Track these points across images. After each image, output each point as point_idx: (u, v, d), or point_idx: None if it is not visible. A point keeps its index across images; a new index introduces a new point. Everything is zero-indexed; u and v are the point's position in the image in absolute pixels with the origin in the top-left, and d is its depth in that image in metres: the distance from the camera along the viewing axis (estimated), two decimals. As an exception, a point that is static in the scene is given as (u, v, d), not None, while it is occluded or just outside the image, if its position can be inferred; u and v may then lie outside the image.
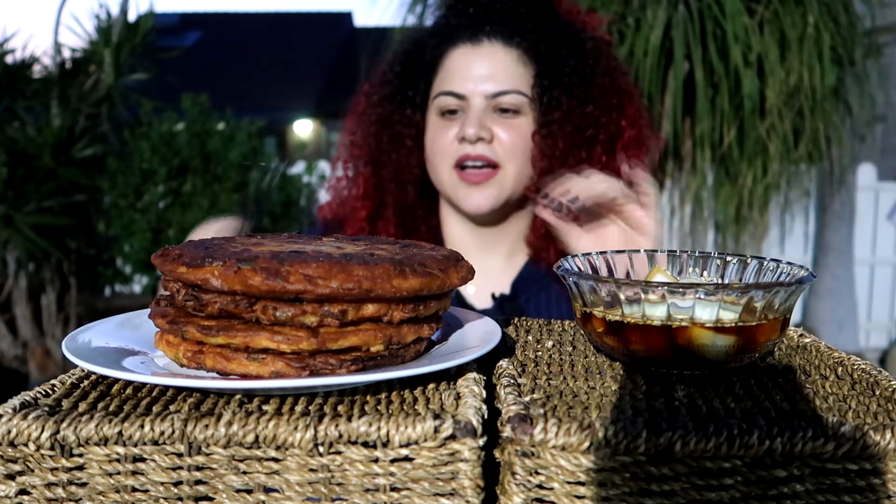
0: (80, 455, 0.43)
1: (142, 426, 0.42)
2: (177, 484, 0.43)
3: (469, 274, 0.55)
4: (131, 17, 3.33)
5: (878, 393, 0.50)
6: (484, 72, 1.04)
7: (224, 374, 0.48)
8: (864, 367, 0.55)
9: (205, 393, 0.48)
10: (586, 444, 0.42)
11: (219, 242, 0.53)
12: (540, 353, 0.59)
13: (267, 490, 0.43)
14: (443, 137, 1.05)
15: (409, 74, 1.11)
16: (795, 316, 4.95)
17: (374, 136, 1.12)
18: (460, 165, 1.04)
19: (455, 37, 1.07)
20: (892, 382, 0.52)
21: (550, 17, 1.09)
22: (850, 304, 4.91)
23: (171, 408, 0.45)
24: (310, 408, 0.45)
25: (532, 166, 1.05)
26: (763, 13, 3.08)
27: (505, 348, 0.59)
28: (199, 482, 0.43)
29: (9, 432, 0.43)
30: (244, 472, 0.43)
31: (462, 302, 1.10)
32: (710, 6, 3.05)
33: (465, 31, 1.07)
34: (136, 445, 0.43)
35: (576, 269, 0.61)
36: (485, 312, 0.67)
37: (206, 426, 0.42)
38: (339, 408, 0.45)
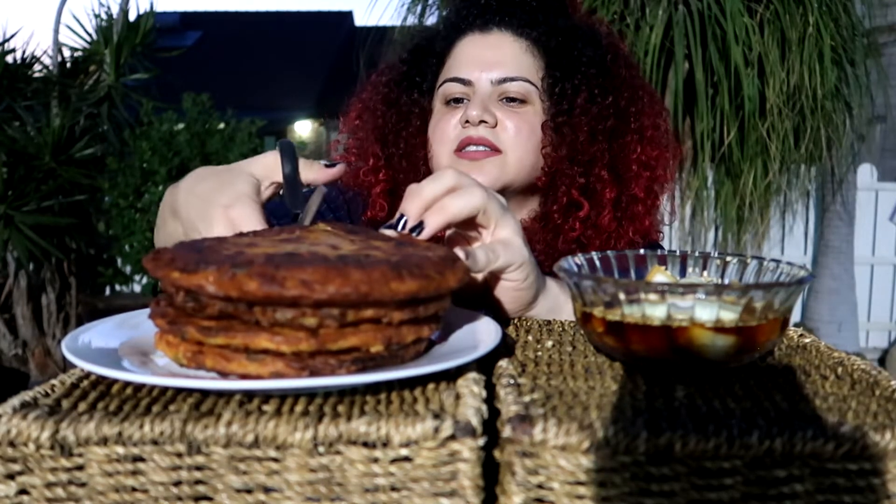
0: (80, 455, 0.43)
1: (141, 426, 0.42)
2: (176, 484, 0.43)
3: (465, 275, 0.54)
4: (131, 16, 3.32)
5: (878, 393, 0.50)
6: (491, 58, 1.03)
7: (224, 375, 0.48)
8: (864, 367, 0.55)
9: (205, 393, 0.48)
10: (586, 444, 0.42)
11: (211, 244, 0.53)
12: (540, 353, 0.59)
13: (267, 490, 0.43)
14: (445, 123, 1.04)
15: (418, 63, 1.11)
16: (795, 316, 4.95)
17: (382, 116, 1.11)
18: (461, 149, 1.01)
19: (464, 27, 1.07)
20: (892, 382, 0.52)
21: (562, 15, 1.09)
22: (850, 304, 4.91)
23: (171, 408, 0.45)
24: (309, 408, 0.45)
25: (542, 157, 1.03)
26: (763, 13, 3.08)
27: (505, 348, 0.59)
28: (198, 482, 0.43)
29: (9, 432, 0.43)
30: (244, 472, 0.43)
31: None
32: (710, 6, 3.05)
33: (475, 21, 1.07)
34: (135, 445, 0.43)
35: (575, 268, 0.61)
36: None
37: (206, 426, 0.42)
38: (339, 408, 0.45)
